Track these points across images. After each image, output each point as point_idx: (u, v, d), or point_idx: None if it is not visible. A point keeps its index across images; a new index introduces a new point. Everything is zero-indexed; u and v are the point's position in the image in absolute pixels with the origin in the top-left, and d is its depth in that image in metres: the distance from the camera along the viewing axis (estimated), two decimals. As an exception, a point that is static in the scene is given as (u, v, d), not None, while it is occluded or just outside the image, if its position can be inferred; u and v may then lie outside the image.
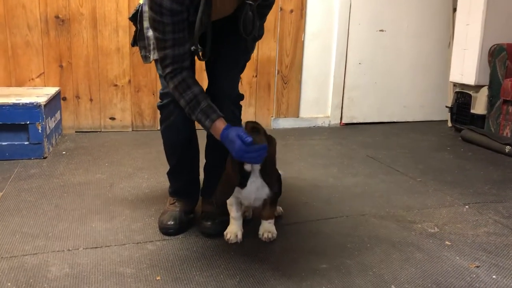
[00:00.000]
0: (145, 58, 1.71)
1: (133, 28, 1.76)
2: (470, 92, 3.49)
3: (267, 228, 1.72)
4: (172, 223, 1.73)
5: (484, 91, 3.36)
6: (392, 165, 2.70)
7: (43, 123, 2.57)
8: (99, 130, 3.27)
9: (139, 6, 1.70)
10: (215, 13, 1.57)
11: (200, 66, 1.81)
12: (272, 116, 3.59)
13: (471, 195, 2.24)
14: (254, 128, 1.58)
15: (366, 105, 3.82)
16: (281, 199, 1.84)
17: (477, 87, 3.43)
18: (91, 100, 3.21)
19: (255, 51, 3.38)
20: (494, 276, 1.51)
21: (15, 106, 2.51)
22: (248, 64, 1.88)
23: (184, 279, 1.44)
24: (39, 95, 2.73)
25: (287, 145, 3.08)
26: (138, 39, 1.72)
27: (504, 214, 2.02)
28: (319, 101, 3.71)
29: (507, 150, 2.95)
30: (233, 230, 1.70)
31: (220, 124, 1.52)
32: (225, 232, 1.71)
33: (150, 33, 1.64)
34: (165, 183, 1.95)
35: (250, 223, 1.83)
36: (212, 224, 1.73)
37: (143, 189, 2.20)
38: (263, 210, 1.73)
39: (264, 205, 1.71)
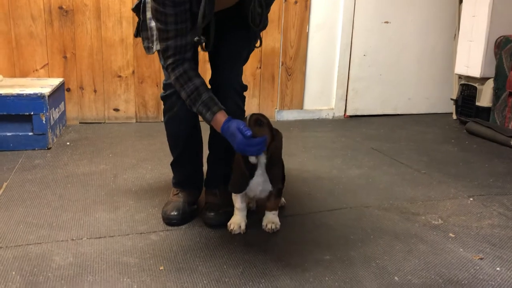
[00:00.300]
0: (148, 49, 1.70)
1: (137, 19, 1.75)
2: (476, 85, 3.46)
3: (271, 219, 1.72)
4: (175, 213, 1.74)
5: (490, 84, 3.34)
6: (396, 157, 2.69)
7: (47, 114, 2.57)
8: (103, 121, 3.27)
9: None
10: (218, 4, 1.56)
11: (203, 57, 1.80)
12: (276, 108, 3.58)
13: (476, 188, 2.23)
14: (258, 120, 1.58)
15: (370, 97, 3.80)
16: (285, 190, 1.84)
17: (483, 80, 3.40)
18: (95, 91, 3.21)
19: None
20: (498, 268, 1.51)
21: (19, 96, 2.51)
22: (252, 55, 1.87)
23: (187, 269, 1.45)
24: (43, 86, 2.73)
25: (291, 137, 3.08)
26: (141, 30, 1.71)
27: (508, 206, 2.01)
28: (323, 93, 3.69)
29: (512, 143, 2.94)
30: (237, 221, 1.70)
31: (221, 117, 1.52)
32: (228, 223, 1.71)
33: (153, 23, 1.63)
34: (169, 174, 1.95)
35: (254, 214, 1.83)
36: (216, 215, 1.74)
37: (146, 180, 2.20)
38: (267, 201, 1.73)
39: (269, 197, 1.71)
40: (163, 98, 1.73)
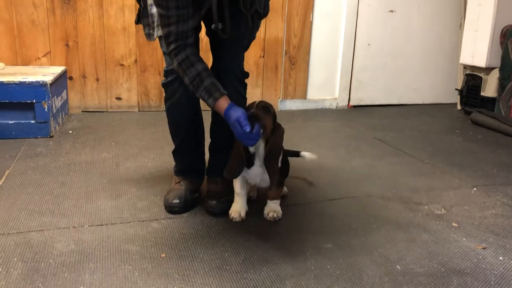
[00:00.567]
0: (149, 36, 1.68)
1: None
2: (481, 74, 3.43)
3: (273, 208, 1.72)
4: (177, 201, 1.73)
5: (495, 73, 3.31)
6: (400, 147, 2.67)
7: (49, 102, 2.57)
8: (106, 110, 3.27)
9: None
10: None
11: (205, 47, 1.78)
12: (279, 98, 3.56)
13: (480, 178, 2.21)
14: (265, 107, 1.58)
15: (374, 87, 3.77)
16: (287, 180, 1.83)
17: (488, 69, 3.37)
18: (97, 79, 3.20)
19: (262, 30, 3.35)
20: (501, 258, 1.50)
21: (21, 84, 2.51)
22: (255, 44, 1.85)
23: (188, 256, 1.45)
24: (45, 74, 2.72)
25: (294, 127, 3.06)
26: (142, 17, 1.69)
27: (512, 196, 2.00)
28: (327, 82, 3.66)
29: (517, 133, 2.92)
30: (237, 209, 1.71)
31: (223, 103, 1.53)
32: (229, 211, 1.71)
33: (154, 10, 1.61)
34: (171, 162, 1.94)
35: (255, 203, 1.82)
36: (217, 203, 1.73)
37: (148, 168, 2.20)
38: (269, 190, 1.72)
39: (270, 186, 1.70)
40: (164, 85, 1.72)
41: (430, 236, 1.63)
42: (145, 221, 1.67)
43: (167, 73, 1.69)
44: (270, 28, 3.40)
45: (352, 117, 3.43)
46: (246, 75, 1.75)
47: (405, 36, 3.75)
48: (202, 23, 1.75)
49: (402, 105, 3.87)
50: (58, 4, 3.01)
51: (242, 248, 1.50)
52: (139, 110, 3.32)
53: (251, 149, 1.62)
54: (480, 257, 1.50)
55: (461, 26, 3.75)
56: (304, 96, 3.62)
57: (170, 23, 1.49)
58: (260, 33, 3.32)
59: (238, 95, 1.71)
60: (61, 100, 2.89)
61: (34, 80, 2.53)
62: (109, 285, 1.29)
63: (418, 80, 3.88)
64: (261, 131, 1.54)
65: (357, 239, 1.59)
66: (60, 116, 2.86)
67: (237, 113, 1.49)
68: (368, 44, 3.67)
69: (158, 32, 1.63)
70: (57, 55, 3.10)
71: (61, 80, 2.92)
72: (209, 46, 1.77)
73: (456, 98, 3.80)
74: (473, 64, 3.46)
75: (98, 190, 1.92)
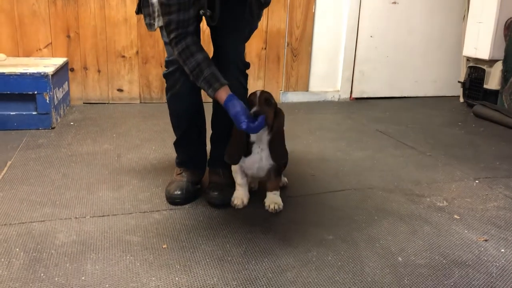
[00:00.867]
0: (150, 26, 1.68)
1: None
2: (484, 67, 3.41)
3: (273, 200, 1.72)
4: (179, 193, 1.73)
5: (498, 66, 3.29)
6: (402, 140, 2.66)
7: (50, 93, 2.56)
8: (107, 102, 3.26)
9: None
10: None
11: (207, 38, 1.77)
12: (281, 90, 3.55)
13: (482, 170, 2.21)
14: (267, 100, 1.60)
15: (377, 80, 3.76)
16: (289, 172, 1.83)
17: (491, 62, 3.35)
18: (98, 71, 3.19)
19: (264, 22, 3.33)
20: (502, 250, 1.50)
21: (22, 75, 2.50)
22: (257, 36, 1.85)
23: (190, 247, 1.45)
24: (47, 65, 2.71)
25: (296, 119, 3.05)
26: (142, 6, 1.68)
27: (514, 189, 2.00)
28: (329, 75, 3.65)
29: (520, 126, 2.90)
30: (240, 196, 1.72)
31: (223, 94, 1.53)
32: (232, 198, 1.73)
33: None
34: (172, 154, 1.94)
35: (256, 194, 1.82)
36: (219, 195, 1.73)
37: (150, 160, 2.20)
38: (268, 181, 1.72)
39: (269, 176, 1.70)
40: (165, 75, 1.71)
41: (432, 228, 1.63)
42: (146, 212, 1.67)
43: (168, 63, 1.68)
44: (272, 20, 3.38)
45: (354, 109, 3.42)
46: (247, 65, 1.74)
47: (408, 28, 3.72)
48: None
49: (405, 97, 3.86)
50: (59, -5, 3.00)
51: (243, 239, 1.50)
52: (140, 102, 3.31)
53: (253, 137, 1.63)
54: (482, 249, 1.50)
55: (464, 18, 3.72)
56: (306, 88, 3.61)
57: (171, 12, 1.48)
58: (262, 25, 3.30)
59: (239, 86, 1.70)
60: (62, 91, 2.88)
61: (35, 71, 2.53)
62: (111, 275, 1.29)
63: (421, 73, 3.86)
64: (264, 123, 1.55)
65: (359, 231, 1.59)
66: (62, 108, 2.86)
67: (236, 108, 1.50)
68: (371, 36, 3.65)
69: (159, 22, 1.62)
70: (59, 47, 3.09)
71: (63, 72, 2.92)
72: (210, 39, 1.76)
73: (458, 91, 3.78)
74: (476, 56, 3.44)
75: (99, 181, 1.92)
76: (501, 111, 3.07)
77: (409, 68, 3.82)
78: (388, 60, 3.75)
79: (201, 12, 1.52)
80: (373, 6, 3.59)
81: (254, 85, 3.40)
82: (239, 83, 1.71)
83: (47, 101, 2.56)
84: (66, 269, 1.31)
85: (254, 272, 1.33)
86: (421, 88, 3.90)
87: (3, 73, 2.48)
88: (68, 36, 3.09)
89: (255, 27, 1.76)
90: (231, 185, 1.76)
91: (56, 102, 2.68)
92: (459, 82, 3.71)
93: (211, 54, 1.74)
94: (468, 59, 3.60)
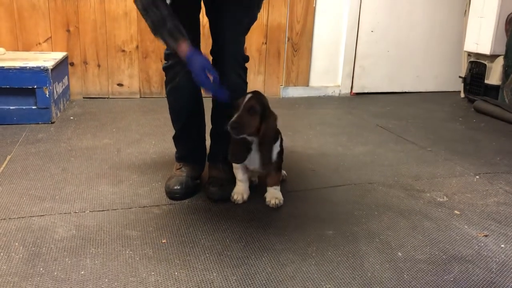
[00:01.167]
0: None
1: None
2: (485, 62, 3.40)
3: (274, 194, 1.71)
4: (178, 187, 1.73)
5: (500, 61, 3.27)
6: (403, 135, 2.66)
7: (50, 87, 2.55)
8: (107, 97, 3.25)
9: None
10: None
11: (207, 32, 1.76)
12: (282, 85, 3.54)
13: (482, 165, 2.20)
14: (251, 108, 1.54)
15: (377, 75, 3.74)
16: (290, 167, 1.83)
17: (492, 57, 3.34)
18: (98, 66, 3.18)
19: (265, 17, 3.31)
20: (502, 245, 1.49)
21: (22, 70, 2.49)
22: (257, 30, 1.83)
23: (189, 242, 1.44)
24: (46, 59, 2.70)
25: (296, 114, 3.05)
26: None
27: (515, 184, 1.99)
28: (329, 69, 3.64)
29: (520, 122, 2.89)
30: (240, 191, 1.72)
31: (184, 47, 1.52)
32: (232, 193, 1.72)
33: None
34: (172, 149, 1.94)
35: (257, 189, 1.82)
36: (219, 190, 1.73)
37: (150, 154, 2.19)
38: (268, 176, 1.72)
39: (269, 171, 1.70)
40: (165, 68, 1.71)
41: (432, 223, 1.63)
42: (146, 207, 1.67)
43: (167, 56, 1.68)
44: (273, 14, 3.37)
45: (354, 104, 3.41)
46: (247, 58, 1.73)
47: (409, 23, 3.71)
48: (202, 4, 1.73)
49: (405, 92, 3.85)
50: (58, -12, 2.99)
51: (243, 234, 1.50)
52: (140, 97, 3.30)
53: (249, 138, 1.62)
54: (482, 244, 1.50)
55: (465, 13, 3.70)
56: (306, 83, 3.60)
57: None
58: (262, 19, 3.29)
59: (239, 79, 1.69)
60: (62, 86, 2.88)
61: (35, 65, 2.52)
62: (110, 270, 1.29)
63: (422, 68, 3.85)
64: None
65: (359, 226, 1.59)
66: (62, 102, 2.85)
67: (198, 63, 1.50)
68: (372, 31, 3.64)
69: None
70: (58, 41, 3.08)
71: (62, 66, 2.91)
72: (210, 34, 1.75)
73: (459, 86, 3.77)
74: (477, 51, 3.42)
75: (99, 176, 1.92)
76: (502, 106, 3.07)
77: (410, 63, 3.81)
78: (389, 55, 3.73)
79: None
80: (374, 1, 3.57)
81: (254, 80, 3.39)
82: (239, 76, 1.70)
83: (47, 95, 2.55)
84: (65, 264, 1.31)
85: (254, 267, 1.33)
86: (422, 83, 3.89)
87: (3, 67, 2.47)
88: (68, 30, 3.07)
89: (255, 18, 1.74)
90: (231, 180, 1.75)
91: (55, 96, 2.67)
92: (460, 77, 3.70)
93: (210, 48, 1.73)
94: (469, 54, 3.59)
